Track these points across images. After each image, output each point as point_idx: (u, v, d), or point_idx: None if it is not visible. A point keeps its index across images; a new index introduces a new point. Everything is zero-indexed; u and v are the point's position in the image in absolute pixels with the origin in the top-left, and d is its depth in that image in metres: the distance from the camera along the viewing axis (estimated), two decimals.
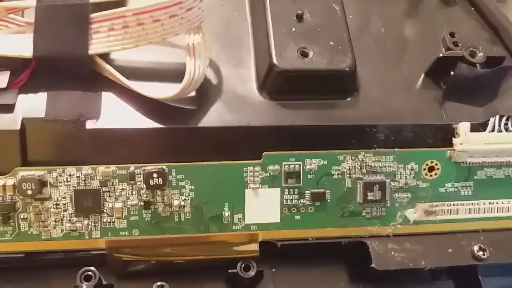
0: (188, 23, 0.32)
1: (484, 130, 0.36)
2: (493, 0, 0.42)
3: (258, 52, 0.37)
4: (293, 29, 0.36)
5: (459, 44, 0.38)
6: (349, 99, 0.36)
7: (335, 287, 0.36)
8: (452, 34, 0.39)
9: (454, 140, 0.35)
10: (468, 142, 0.35)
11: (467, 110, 0.37)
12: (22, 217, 0.32)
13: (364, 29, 0.40)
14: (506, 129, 0.36)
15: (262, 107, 0.35)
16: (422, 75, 0.38)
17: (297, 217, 0.35)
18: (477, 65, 0.37)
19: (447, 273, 0.38)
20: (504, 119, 0.36)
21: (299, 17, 0.36)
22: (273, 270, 0.36)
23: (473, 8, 0.42)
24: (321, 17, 0.37)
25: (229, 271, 0.34)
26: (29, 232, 0.33)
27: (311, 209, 0.35)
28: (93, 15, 0.32)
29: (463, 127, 0.35)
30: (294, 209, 0.35)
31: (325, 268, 0.37)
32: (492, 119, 0.36)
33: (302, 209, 0.35)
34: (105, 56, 0.34)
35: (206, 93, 0.35)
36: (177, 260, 0.34)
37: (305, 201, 0.35)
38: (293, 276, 0.36)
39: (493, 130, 0.36)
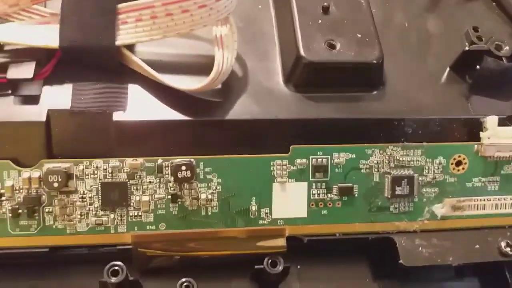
0: (217, 14, 0.32)
1: (511, 124, 0.36)
2: None
3: (284, 45, 0.36)
4: (320, 21, 0.35)
5: (483, 39, 0.38)
6: (375, 92, 0.36)
7: (360, 284, 0.36)
8: (475, 29, 0.39)
9: (482, 134, 0.35)
10: (495, 136, 0.35)
11: (493, 104, 0.36)
12: (47, 210, 0.32)
13: (388, 23, 0.39)
14: None
15: (288, 100, 0.35)
16: (447, 69, 0.38)
17: (324, 212, 0.34)
18: (503, 58, 0.36)
19: (473, 269, 0.37)
20: None
21: (325, 10, 0.36)
22: (298, 266, 0.35)
23: (494, 3, 0.42)
24: (347, 9, 0.36)
25: (256, 267, 0.33)
26: (54, 226, 0.32)
27: (338, 204, 0.34)
28: (120, 5, 0.32)
29: (491, 121, 0.35)
30: (321, 204, 0.34)
31: (351, 264, 0.36)
32: None
33: (330, 204, 0.34)
34: (131, 48, 0.33)
35: (232, 86, 0.35)
36: (203, 255, 0.33)
37: (332, 196, 0.34)
38: (319, 272, 0.36)
39: None
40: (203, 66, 0.33)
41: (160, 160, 0.32)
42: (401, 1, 0.41)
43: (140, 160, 0.32)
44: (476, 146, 0.35)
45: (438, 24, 0.40)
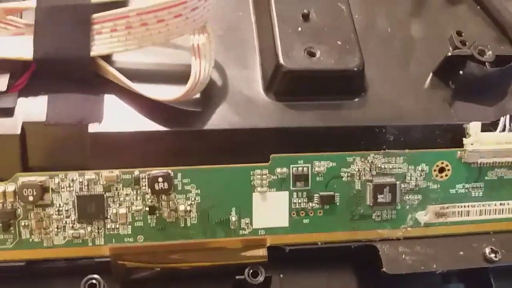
0: (193, 23, 0.31)
1: (494, 130, 0.35)
2: None
3: (264, 52, 0.36)
4: (299, 29, 0.35)
5: (467, 43, 0.38)
6: (357, 99, 0.35)
7: None
8: (459, 33, 0.38)
9: (465, 140, 0.35)
10: (479, 142, 0.34)
11: (477, 109, 0.36)
12: (23, 224, 0.31)
13: (370, 29, 0.39)
14: None
15: (268, 108, 0.34)
16: (430, 75, 0.37)
17: (306, 221, 0.34)
18: (486, 64, 0.36)
19: (458, 276, 0.37)
20: None
21: (305, 17, 0.35)
22: (281, 275, 0.35)
23: (478, 7, 0.42)
24: (327, 16, 0.36)
25: (237, 277, 0.33)
26: (31, 240, 0.31)
27: (320, 213, 0.34)
28: (95, 15, 0.32)
29: (474, 127, 0.34)
30: (302, 213, 0.34)
31: (335, 273, 0.36)
32: (502, 119, 0.35)
33: (311, 213, 0.34)
34: (107, 58, 0.33)
35: (211, 95, 0.34)
36: (183, 267, 0.33)
37: (314, 205, 0.34)
38: (302, 281, 0.35)
39: (503, 130, 0.35)
40: (181, 76, 0.33)
41: (136, 172, 0.32)
42: (385, 6, 0.40)
43: (116, 172, 0.31)
44: (459, 152, 0.35)
45: (422, 29, 0.40)
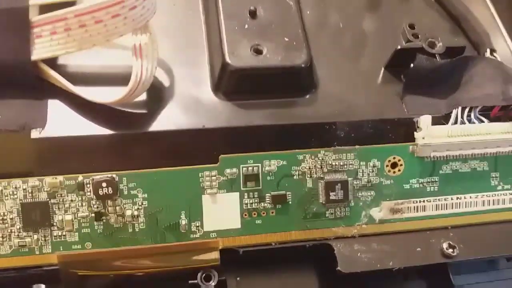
0: (133, 23, 0.31)
1: (447, 122, 0.35)
2: None
3: (212, 51, 0.35)
4: (246, 26, 0.35)
5: (419, 36, 0.37)
6: (307, 96, 0.35)
7: None
8: (412, 26, 0.38)
9: (416, 134, 0.34)
10: (430, 135, 0.34)
11: (428, 102, 0.36)
12: None
13: (322, 25, 0.39)
14: (469, 121, 0.35)
15: (217, 108, 0.34)
16: (382, 69, 0.37)
17: (259, 221, 0.33)
18: (436, 56, 0.36)
19: (417, 272, 0.37)
20: (466, 110, 0.35)
21: (252, 14, 0.35)
22: (238, 278, 0.35)
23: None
24: (274, 13, 0.35)
25: (190, 282, 0.32)
26: None
27: (272, 213, 0.33)
28: (34, 18, 0.31)
29: (425, 120, 0.34)
30: (254, 214, 0.33)
31: (292, 273, 0.35)
32: (454, 111, 0.35)
33: (263, 213, 0.33)
34: (51, 62, 0.32)
35: (158, 95, 0.34)
36: (135, 273, 0.32)
37: (265, 205, 0.33)
38: (258, 283, 0.35)
39: (456, 123, 0.35)
40: (126, 77, 0.32)
41: (80, 178, 0.31)
42: (337, 1, 0.40)
43: (60, 178, 0.31)
44: (411, 146, 0.34)
45: (375, 23, 0.40)
